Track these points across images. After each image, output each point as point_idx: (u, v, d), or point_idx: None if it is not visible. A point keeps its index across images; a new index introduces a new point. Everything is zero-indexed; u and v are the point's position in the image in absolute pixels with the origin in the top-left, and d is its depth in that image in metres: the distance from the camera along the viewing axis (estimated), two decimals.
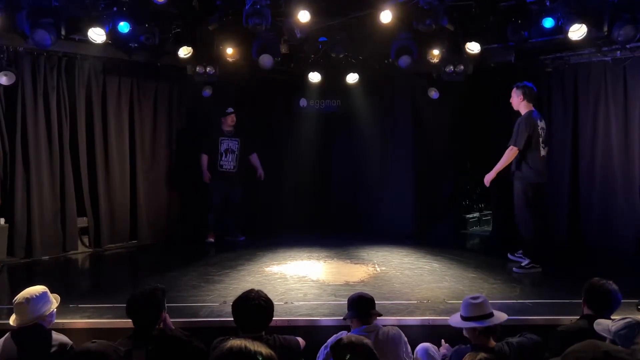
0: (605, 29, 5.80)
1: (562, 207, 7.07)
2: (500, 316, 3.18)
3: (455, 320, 3.25)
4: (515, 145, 5.66)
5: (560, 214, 7.08)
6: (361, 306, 3.36)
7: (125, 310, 3.16)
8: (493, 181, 5.92)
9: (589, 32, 5.76)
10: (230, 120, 7.43)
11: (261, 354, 1.67)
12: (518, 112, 5.90)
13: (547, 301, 4.52)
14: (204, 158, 7.45)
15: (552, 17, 5.87)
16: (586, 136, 6.92)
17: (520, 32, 6.09)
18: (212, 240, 7.44)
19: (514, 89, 5.90)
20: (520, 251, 6.01)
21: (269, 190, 8.34)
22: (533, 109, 5.82)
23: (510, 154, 5.68)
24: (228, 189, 7.45)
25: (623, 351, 1.62)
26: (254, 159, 7.69)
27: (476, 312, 3.15)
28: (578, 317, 3.36)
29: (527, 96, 5.81)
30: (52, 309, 3.22)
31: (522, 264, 5.73)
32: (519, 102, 5.86)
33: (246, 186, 7.79)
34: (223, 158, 7.42)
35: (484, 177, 6.02)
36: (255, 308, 3.01)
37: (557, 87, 7.16)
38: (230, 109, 7.45)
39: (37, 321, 3.13)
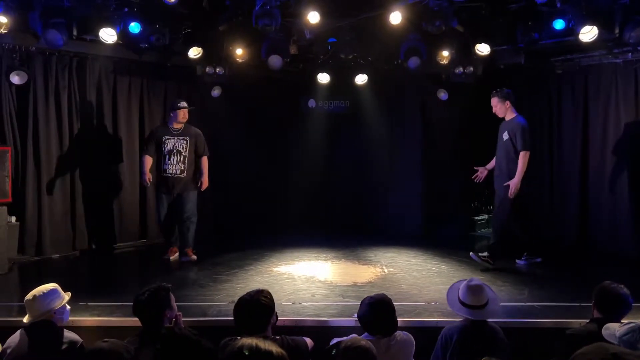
0: (617, 30, 5.79)
1: (571, 209, 7.04)
2: (493, 311, 3.33)
3: (452, 301, 3.39)
4: (527, 149, 5.64)
5: (569, 216, 7.05)
6: (378, 321, 3.19)
7: (132, 309, 3.19)
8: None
9: (599, 33, 5.73)
10: (182, 116, 6.24)
11: (271, 353, 1.67)
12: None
13: (556, 304, 4.50)
14: (146, 159, 6.29)
15: (563, 19, 5.85)
16: (596, 138, 6.88)
17: (530, 34, 6.09)
18: (171, 256, 6.33)
19: (496, 98, 5.90)
20: (525, 254, 6.08)
21: (276, 191, 8.37)
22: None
23: (525, 159, 5.64)
24: (174, 198, 6.27)
25: (632, 353, 1.62)
26: (203, 163, 6.37)
27: (472, 301, 3.27)
28: (587, 321, 3.34)
29: (511, 101, 5.87)
30: (62, 304, 3.26)
31: (481, 254, 5.85)
32: (505, 109, 5.88)
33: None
34: (167, 160, 6.20)
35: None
36: (249, 310, 2.99)
37: (567, 88, 7.13)
38: (183, 103, 6.30)
39: (45, 317, 3.17)
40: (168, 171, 6.24)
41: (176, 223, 6.36)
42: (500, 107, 5.90)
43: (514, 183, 5.63)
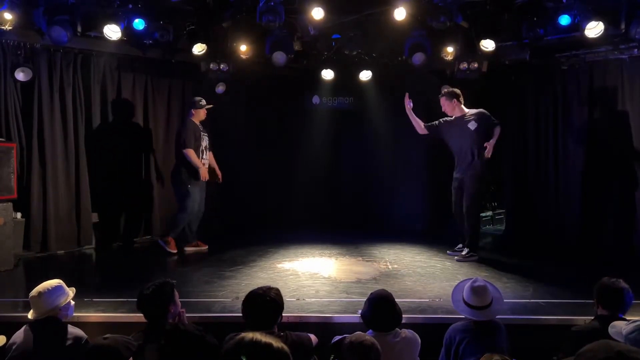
0: (623, 26, 5.76)
1: (575, 206, 7.01)
2: (497, 311, 3.35)
3: (457, 301, 3.40)
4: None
5: (573, 213, 7.02)
6: (378, 317, 3.21)
7: (136, 304, 3.20)
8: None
9: (605, 29, 5.70)
10: (203, 114, 6.54)
11: (271, 345, 1.66)
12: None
13: (561, 301, 4.48)
14: (193, 152, 6.33)
15: (568, 15, 5.83)
16: (602, 135, 6.84)
17: (536, 30, 6.06)
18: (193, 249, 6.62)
19: (444, 98, 6.23)
20: (460, 245, 6.30)
21: (280, 187, 8.37)
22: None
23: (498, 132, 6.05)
24: (204, 192, 6.60)
25: (637, 351, 1.60)
26: (212, 157, 6.79)
27: (476, 302, 3.28)
28: (592, 318, 3.34)
29: (460, 98, 6.17)
30: (67, 301, 3.27)
31: (463, 253, 6.08)
32: (453, 106, 6.21)
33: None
34: (204, 155, 6.54)
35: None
36: (260, 304, 3.02)
37: (573, 85, 7.09)
38: (205, 101, 6.54)
39: (51, 313, 3.18)
40: (205, 165, 6.53)
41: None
42: (448, 105, 6.24)
43: (492, 144, 5.96)
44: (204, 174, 6.39)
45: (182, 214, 6.44)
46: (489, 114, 6.11)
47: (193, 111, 6.49)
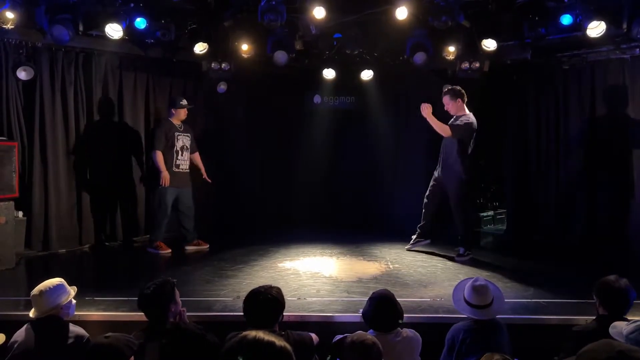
0: (625, 26, 5.73)
1: (577, 206, 7.00)
2: (498, 310, 3.35)
3: (458, 300, 3.42)
4: (454, 137, 5.97)
5: (575, 213, 7.01)
6: (379, 316, 3.23)
7: (137, 303, 3.20)
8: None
9: (607, 29, 5.69)
10: (184, 114, 6.56)
11: (274, 344, 1.66)
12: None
13: (562, 301, 4.48)
14: (160, 155, 6.34)
15: (570, 14, 5.82)
16: (603, 135, 6.83)
17: (537, 29, 6.06)
18: (163, 251, 6.47)
19: (448, 96, 6.17)
20: (414, 237, 6.46)
21: (281, 187, 8.37)
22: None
23: (446, 133, 5.98)
24: (181, 192, 6.54)
25: (638, 351, 1.61)
26: (199, 158, 6.85)
27: (477, 301, 3.29)
28: (593, 317, 3.33)
29: (464, 98, 6.12)
30: (68, 299, 3.27)
31: (460, 252, 6.10)
32: (457, 107, 6.15)
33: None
34: (179, 156, 6.50)
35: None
36: (261, 302, 3.02)
37: (574, 84, 7.07)
38: (185, 101, 6.57)
39: (52, 312, 3.19)
40: (181, 167, 6.55)
41: (180, 217, 6.64)
42: (452, 105, 6.18)
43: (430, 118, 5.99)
44: (165, 179, 6.30)
45: (156, 215, 6.55)
46: (470, 128, 6.00)
47: (173, 111, 6.54)
